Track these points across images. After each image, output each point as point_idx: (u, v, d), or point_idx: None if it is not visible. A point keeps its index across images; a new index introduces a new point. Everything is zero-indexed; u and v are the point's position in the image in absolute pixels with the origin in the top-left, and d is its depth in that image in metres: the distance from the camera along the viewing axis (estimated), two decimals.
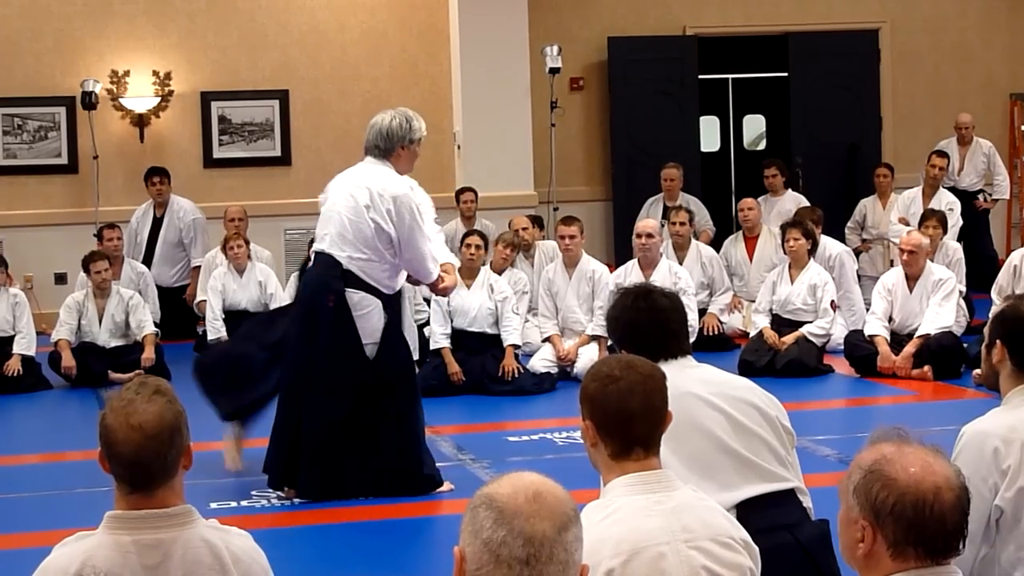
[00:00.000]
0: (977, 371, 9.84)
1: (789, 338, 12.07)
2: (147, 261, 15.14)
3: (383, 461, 8.14)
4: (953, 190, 15.57)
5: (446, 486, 8.20)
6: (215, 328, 13.21)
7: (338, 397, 8.09)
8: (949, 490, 2.96)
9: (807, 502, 4.92)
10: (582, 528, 2.71)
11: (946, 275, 11.84)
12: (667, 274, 12.33)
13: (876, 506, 2.97)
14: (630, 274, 12.37)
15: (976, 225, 15.96)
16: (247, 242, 13.75)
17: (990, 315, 5.04)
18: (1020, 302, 4.76)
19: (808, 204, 15.13)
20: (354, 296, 8.06)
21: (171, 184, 15.44)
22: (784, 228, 12.74)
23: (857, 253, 15.36)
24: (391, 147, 8.20)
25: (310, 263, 8.54)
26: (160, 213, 15.40)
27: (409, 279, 8.38)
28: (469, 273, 11.67)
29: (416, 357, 9.76)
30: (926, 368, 11.43)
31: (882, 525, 2.96)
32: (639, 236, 12.53)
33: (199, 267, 14.91)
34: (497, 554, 2.60)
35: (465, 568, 2.64)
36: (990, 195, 16.52)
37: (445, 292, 8.79)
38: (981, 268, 14.42)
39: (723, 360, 11.33)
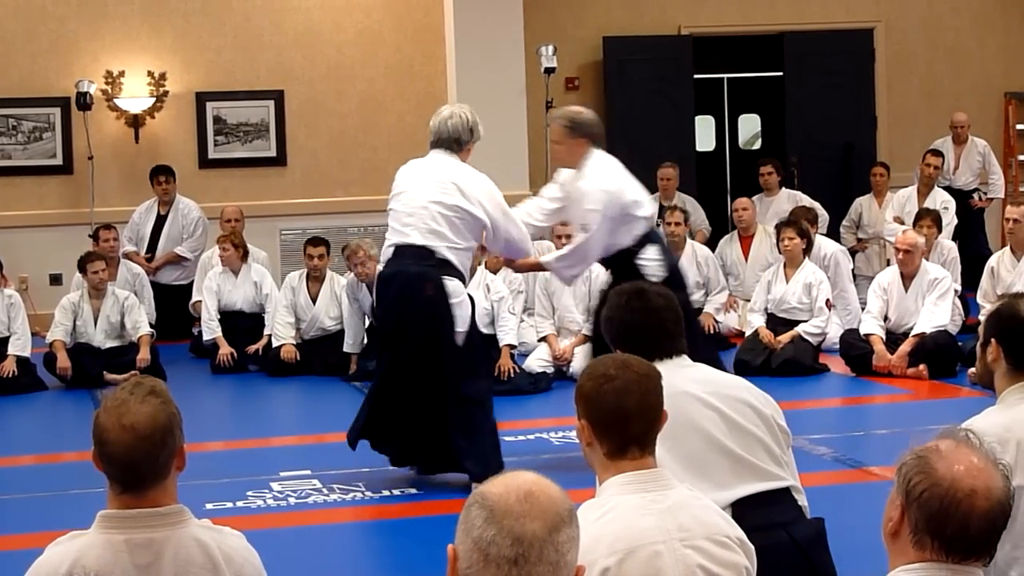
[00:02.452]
0: (972, 369, 9.85)
1: (785, 337, 12.08)
2: (148, 259, 15.15)
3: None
4: (948, 189, 15.61)
5: None
6: (211, 329, 13.21)
7: (478, 376, 8.34)
8: (985, 499, 2.97)
9: (802, 501, 4.93)
10: (578, 529, 2.70)
11: (941, 274, 11.86)
12: None
13: (909, 488, 3.00)
14: None
15: (971, 224, 15.99)
16: (244, 243, 13.74)
17: (982, 315, 5.05)
18: (1014, 300, 4.76)
19: (807, 201, 15.16)
20: (450, 284, 8.14)
21: (176, 183, 15.44)
22: (779, 227, 12.77)
23: (853, 252, 15.38)
24: (467, 142, 8.47)
25: (388, 257, 8.35)
26: (164, 211, 15.40)
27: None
28: None
29: None
30: (921, 367, 11.44)
31: (909, 508, 3.00)
32: None
33: (178, 255, 15.17)
34: (486, 553, 2.59)
35: (457, 567, 2.63)
36: (985, 194, 16.56)
37: (521, 269, 9.47)
38: (976, 267, 14.44)
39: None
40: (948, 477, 2.98)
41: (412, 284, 8.07)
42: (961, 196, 15.83)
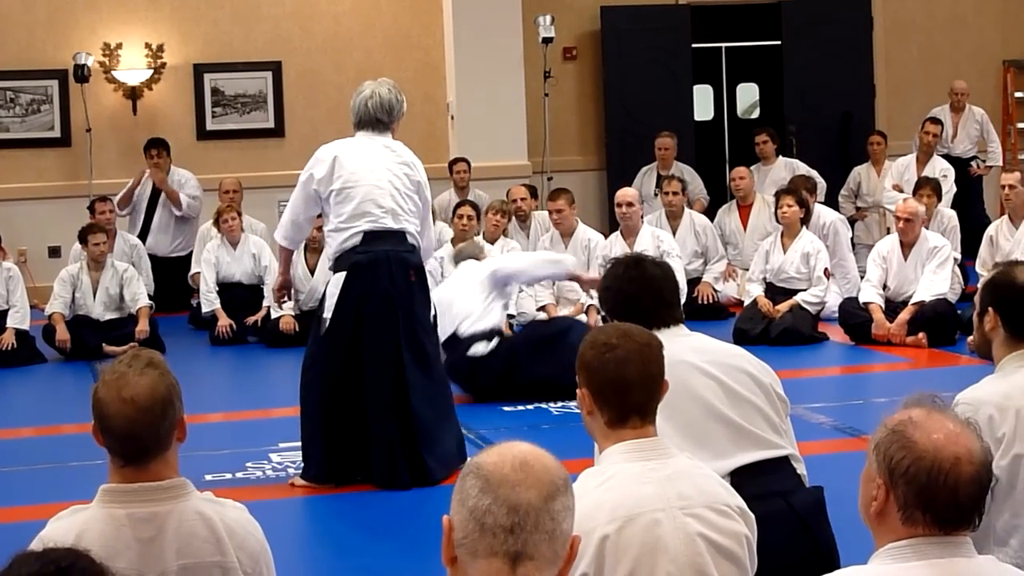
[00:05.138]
0: (971, 338, 9.85)
1: (783, 306, 12.08)
2: (145, 231, 15.14)
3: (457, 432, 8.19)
4: (947, 157, 15.60)
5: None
6: (209, 301, 13.22)
7: (438, 374, 8.15)
8: (969, 463, 2.93)
9: (801, 469, 4.93)
10: (573, 498, 2.70)
11: (941, 242, 11.86)
12: (650, 239, 12.50)
13: (892, 466, 2.95)
14: (614, 244, 12.56)
15: (969, 192, 15.99)
16: (240, 214, 13.75)
17: (980, 284, 5.04)
18: (1010, 268, 4.75)
19: (803, 169, 15.14)
20: (426, 269, 8.11)
21: (170, 156, 15.38)
22: (777, 196, 12.76)
23: (852, 221, 15.37)
24: (392, 120, 8.11)
25: (355, 245, 7.91)
26: (167, 193, 15.32)
27: None
28: (463, 243, 11.66)
29: None
30: (921, 335, 11.44)
31: (895, 486, 2.94)
32: (619, 205, 12.76)
33: (178, 196, 15.20)
34: (482, 522, 2.59)
35: (453, 537, 2.64)
36: (983, 162, 16.55)
37: None
38: (975, 235, 14.44)
39: (718, 328, 11.37)
40: (931, 448, 2.93)
41: (401, 269, 7.86)
42: (959, 164, 15.83)
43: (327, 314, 7.84)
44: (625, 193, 12.91)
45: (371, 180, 7.89)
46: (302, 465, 7.97)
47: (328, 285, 7.97)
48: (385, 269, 7.83)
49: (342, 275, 7.85)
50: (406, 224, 7.92)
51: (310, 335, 8.12)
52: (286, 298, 8.86)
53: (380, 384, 7.81)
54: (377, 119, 8.06)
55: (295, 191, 8.17)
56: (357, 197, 7.86)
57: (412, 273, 7.92)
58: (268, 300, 13.06)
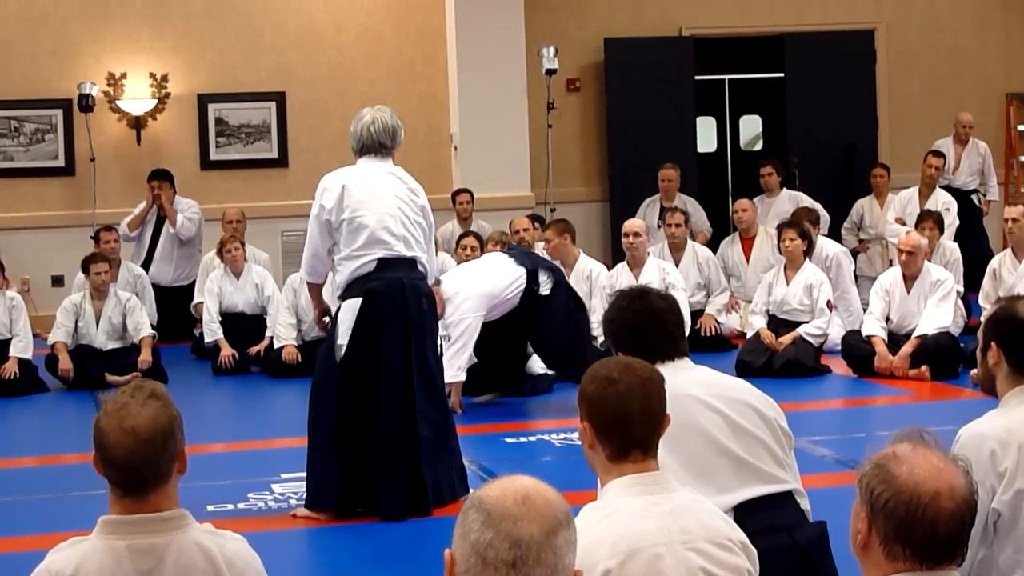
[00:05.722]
0: (975, 371, 9.84)
1: (786, 338, 12.07)
2: (148, 260, 15.15)
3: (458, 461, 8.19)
4: (948, 188, 15.61)
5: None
6: (212, 331, 13.22)
7: (443, 403, 8.17)
8: (950, 499, 2.94)
9: (805, 504, 4.92)
10: (575, 532, 2.70)
11: (944, 275, 11.86)
12: (656, 271, 12.53)
13: (872, 500, 2.98)
14: (620, 274, 12.62)
15: (972, 225, 15.99)
16: (243, 244, 13.76)
17: (983, 317, 5.04)
18: (1012, 303, 4.75)
19: (807, 202, 15.17)
20: (434, 296, 8.14)
21: (174, 187, 15.38)
22: (780, 228, 12.77)
23: (855, 253, 15.38)
24: (395, 145, 8.12)
25: (369, 271, 7.90)
26: (163, 213, 15.37)
27: None
28: None
29: None
30: (923, 368, 11.43)
31: (875, 519, 2.97)
32: (626, 235, 12.77)
33: (177, 217, 15.18)
34: (484, 556, 2.59)
35: (455, 571, 2.63)
36: (984, 195, 16.60)
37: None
38: (978, 268, 14.44)
39: (720, 360, 11.34)
40: (910, 483, 2.95)
41: (415, 297, 7.86)
42: (961, 196, 15.84)
43: (341, 340, 7.81)
44: (632, 224, 12.93)
45: (381, 208, 7.87)
46: (305, 496, 7.93)
47: (340, 311, 7.93)
48: (400, 296, 7.82)
49: (357, 301, 7.83)
50: (417, 252, 7.95)
51: (319, 361, 8.06)
52: (328, 322, 8.67)
53: (393, 412, 7.79)
54: (380, 144, 8.05)
55: (310, 225, 8.14)
56: (370, 225, 7.84)
57: (424, 301, 7.94)
58: (271, 330, 13.07)
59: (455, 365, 10.19)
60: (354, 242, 7.86)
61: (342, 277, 7.98)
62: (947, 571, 2.97)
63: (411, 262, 7.92)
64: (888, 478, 2.97)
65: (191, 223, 15.26)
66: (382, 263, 7.85)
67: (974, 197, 16.44)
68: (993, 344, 4.61)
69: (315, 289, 8.46)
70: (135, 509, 3.50)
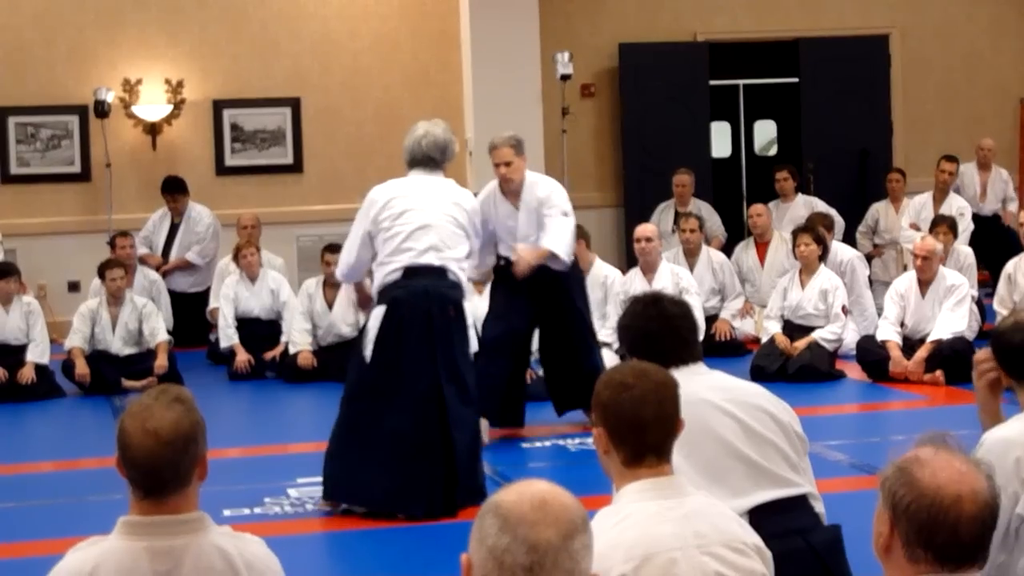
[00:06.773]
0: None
1: (801, 343, 12.07)
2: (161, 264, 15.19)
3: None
4: (975, 217, 15.50)
5: None
6: (227, 336, 13.24)
7: (472, 407, 8.18)
8: (972, 503, 2.96)
9: (819, 508, 4.94)
10: (591, 537, 2.71)
11: (959, 280, 11.85)
12: (669, 276, 12.50)
13: (895, 502, 2.99)
14: (633, 279, 12.55)
15: (1002, 232, 15.96)
16: (258, 250, 13.80)
17: (996, 322, 5.06)
18: (1013, 316, 4.77)
19: (822, 207, 15.16)
20: (467, 305, 8.16)
21: (188, 194, 15.43)
22: (795, 233, 12.77)
23: (869, 258, 15.37)
24: (445, 159, 8.34)
25: (396, 279, 8.02)
26: (177, 220, 15.43)
27: None
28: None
29: None
30: (938, 373, 11.43)
31: (898, 522, 2.99)
32: (638, 240, 12.70)
33: (188, 261, 15.16)
34: (501, 561, 2.60)
35: (472, 575, 2.65)
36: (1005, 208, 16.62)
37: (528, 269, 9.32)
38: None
39: (735, 365, 11.34)
40: (932, 486, 2.97)
41: (440, 304, 7.93)
42: (988, 223, 15.87)
43: (368, 347, 7.93)
44: (644, 228, 12.91)
45: (419, 219, 8.04)
46: (323, 489, 8.02)
47: (370, 319, 8.07)
48: (423, 303, 7.91)
49: (382, 308, 7.96)
50: (449, 261, 8.03)
51: (352, 365, 8.16)
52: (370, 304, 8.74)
53: (419, 418, 7.85)
54: (430, 157, 8.28)
55: (351, 232, 8.37)
56: (402, 234, 8.01)
57: (451, 308, 7.99)
58: (286, 335, 13.10)
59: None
60: (385, 250, 8.05)
61: (376, 283, 8.17)
62: (968, 574, 2.98)
63: (440, 271, 7.99)
64: (910, 481, 2.99)
65: (203, 247, 15.28)
66: (408, 271, 7.98)
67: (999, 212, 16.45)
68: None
69: (355, 284, 8.83)
70: (154, 511, 3.52)
